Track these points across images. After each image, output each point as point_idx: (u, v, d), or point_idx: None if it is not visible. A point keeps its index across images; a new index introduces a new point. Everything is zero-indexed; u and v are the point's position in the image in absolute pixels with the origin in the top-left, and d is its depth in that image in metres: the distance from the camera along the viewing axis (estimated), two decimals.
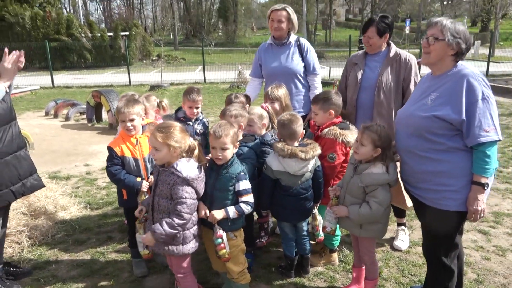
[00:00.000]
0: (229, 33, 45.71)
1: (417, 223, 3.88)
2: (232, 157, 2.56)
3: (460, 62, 2.32)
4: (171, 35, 45.39)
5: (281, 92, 3.38)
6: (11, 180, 2.80)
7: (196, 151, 2.52)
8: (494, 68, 18.02)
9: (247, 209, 2.55)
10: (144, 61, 28.85)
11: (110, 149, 2.95)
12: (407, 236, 3.65)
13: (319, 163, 2.91)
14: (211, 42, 33.65)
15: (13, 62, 2.76)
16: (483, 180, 2.21)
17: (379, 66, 3.32)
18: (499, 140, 2.21)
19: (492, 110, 2.18)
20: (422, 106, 2.35)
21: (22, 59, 2.80)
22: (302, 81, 3.81)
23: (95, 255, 3.49)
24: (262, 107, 3.18)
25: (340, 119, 3.01)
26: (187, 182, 2.38)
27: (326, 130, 2.93)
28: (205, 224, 2.62)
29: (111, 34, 27.10)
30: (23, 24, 25.31)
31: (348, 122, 3.08)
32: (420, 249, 3.42)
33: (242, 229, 2.75)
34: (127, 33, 27.36)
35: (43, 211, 4.04)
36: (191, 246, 2.54)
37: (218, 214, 2.52)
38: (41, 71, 21.31)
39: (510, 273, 3.16)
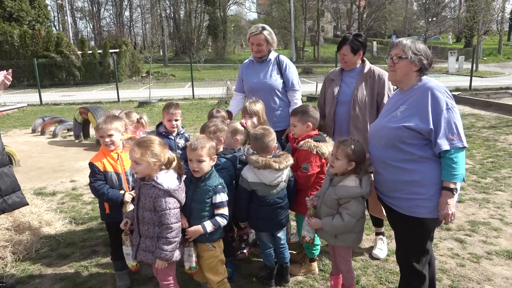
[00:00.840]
0: (219, 49, 46.16)
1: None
2: (210, 170, 2.65)
3: (424, 77, 2.48)
4: (161, 52, 45.71)
5: (259, 107, 3.50)
6: None
7: (175, 163, 2.60)
8: (478, 82, 18.46)
9: (222, 222, 2.64)
10: (134, 77, 28.97)
11: (92, 164, 3.01)
12: (386, 245, 3.76)
13: (292, 173, 3.02)
14: (201, 59, 33.94)
15: None
16: (451, 186, 2.33)
17: (354, 81, 3.48)
18: (465, 147, 2.34)
19: (456, 119, 2.32)
20: (392, 118, 2.49)
21: (9, 77, 2.88)
22: (281, 96, 3.94)
23: (78, 268, 3.52)
24: (241, 123, 3.29)
25: (316, 131, 3.13)
26: (168, 193, 2.47)
27: (301, 142, 3.05)
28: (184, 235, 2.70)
29: (100, 51, 27.26)
30: (11, 42, 25.36)
31: (325, 135, 3.21)
32: None
33: (221, 240, 2.83)
34: (116, 50, 27.54)
35: (27, 227, 4.06)
36: (177, 254, 2.61)
37: (194, 230, 2.60)
38: (29, 89, 21.30)
39: (484, 279, 3.27)
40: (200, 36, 50.82)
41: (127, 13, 61.89)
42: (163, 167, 2.54)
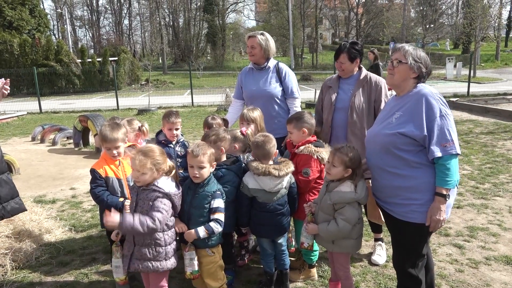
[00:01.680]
0: (218, 57, 46.39)
1: None
2: (209, 176, 2.68)
3: (420, 84, 2.50)
4: (160, 60, 45.90)
5: (256, 114, 3.53)
6: None
7: (174, 172, 2.67)
8: (475, 88, 18.57)
9: (216, 227, 2.63)
10: (133, 85, 29.08)
11: (93, 171, 3.03)
12: (384, 251, 3.77)
13: (293, 179, 3.04)
14: (200, 66, 34.10)
15: None
16: (444, 192, 2.35)
17: (351, 88, 3.52)
18: (458, 154, 2.36)
19: (450, 126, 2.35)
20: (387, 125, 2.53)
21: (7, 86, 2.91)
22: (281, 104, 3.97)
23: (78, 276, 3.53)
24: (241, 131, 3.32)
25: (315, 137, 3.17)
26: (168, 196, 2.52)
27: (302, 147, 3.09)
28: (183, 241, 2.72)
29: (99, 59, 27.39)
30: (11, 50, 25.48)
31: (322, 141, 3.24)
32: None
33: (220, 245, 2.85)
34: (115, 58, 27.68)
35: (27, 234, 4.07)
36: (173, 261, 2.62)
37: (189, 235, 2.63)
38: (28, 97, 21.36)
39: (482, 285, 3.28)
40: (199, 44, 51.12)
41: (126, 22, 62.26)
42: (164, 174, 2.58)
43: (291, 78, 4.02)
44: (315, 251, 3.29)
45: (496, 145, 8.02)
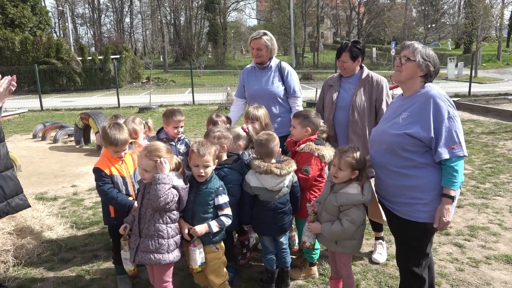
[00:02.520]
0: (219, 55, 46.39)
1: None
2: (211, 173, 2.69)
3: (428, 84, 2.49)
4: (161, 58, 45.90)
5: (261, 112, 3.53)
6: None
7: (181, 168, 2.70)
8: (477, 88, 18.56)
9: (227, 221, 2.69)
10: (134, 83, 29.08)
11: (98, 169, 3.02)
12: (385, 250, 3.78)
13: (296, 178, 3.05)
14: (201, 65, 34.08)
15: (4, 86, 2.87)
16: (452, 193, 2.36)
17: (352, 87, 3.53)
18: (465, 156, 2.37)
19: (457, 128, 2.35)
20: (394, 125, 2.52)
21: (14, 83, 2.92)
22: (283, 103, 3.96)
23: (80, 272, 3.54)
24: (243, 128, 3.33)
25: (315, 136, 3.17)
26: (176, 188, 2.56)
27: (302, 145, 3.10)
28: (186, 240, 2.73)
29: (101, 57, 27.40)
30: (12, 48, 25.49)
31: (327, 142, 3.25)
32: None
33: (222, 242, 2.86)
34: (117, 56, 27.68)
35: (29, 231, 4.09)
36: (176, 254, 2.65)
37: (201, 228, 2.63)
38: (30, 94, 21.38)
39: (483, 284, 3.29)
40: (200, 42, 51.05)
41: (127, 20, 62.29)
42: (171, 171, 2.61)
43: (293, 77, 4.02)
44: (317, 249, 3.31)
45: (497, 145, 8.03)
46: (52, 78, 25.34)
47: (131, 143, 3.27)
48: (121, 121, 3.46)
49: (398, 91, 2.71)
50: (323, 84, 3.82)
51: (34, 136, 10.10)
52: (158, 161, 2.53)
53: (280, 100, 3.95)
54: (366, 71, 3.55)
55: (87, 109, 15.41)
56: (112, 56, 27.23)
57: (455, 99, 14.49)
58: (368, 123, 3.47)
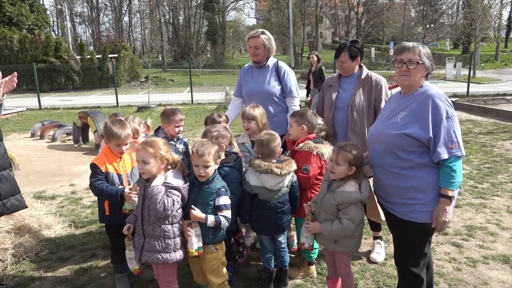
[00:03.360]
0: (217, 55, 46.35)
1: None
2: (213, 173, 2.69)
3: (425, 82, 2.49)
4: (160, 57, 45.85)
5: (257, 111, 3.52)
6: None
7: (179, 165, 2.71)
8: (475, 89, 18.59)
9: (224, 222, 2.67)
10: (132, 82, 29.04)
11: (94, 165, 3.03)
12: (383, 249, 3.79)
13: (295, 178, 3.05)
14: (200, 64, 34.05)
15: (4, 84, 2.87)
16: (450, 193, 2.36)
17: (352, 87, 3.53)
18: (463, 156, 2.37)
19: (456, 128, 2.35)
20: (392, 125, 2.51)
21: (15, 79, 2.92)
22: (279, 102, 3.96)
23: (78, 271, 3.54)
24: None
25: (314, 135, 3.18)
26: (176, 188, 2.56)
27: (301, 144, 3.11)
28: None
29: (99, 56, 27.34)
30: (11, 46, 25.42)
31: (326, 141, 3.26)
32: None
33: (223, 242, 2.86)
34: (115, 55, 27.62)
35: (27, 230, 4.08)
36: (181, 253, 2.66)
37: (199, 214, 2.62)
38: (28, 93, 21.32)
39: (480, 283, 3.30)
40: (199, 42, 51.04)
41: (126, 19, 62.18)
42: (169, 167, 2.61)
43: (290, 76, 4.01)
44: (315, 249, 3.31)
45: (495, 145, 8.05)
46: (51, 76, 25.29)
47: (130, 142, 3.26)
48: (121, 118, 3.47)
49: (397, 90, 2.71)
50: (323, 84, 3.83)
51: (33, 135, 10.08)
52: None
53: (276, 99, 3.95)
54: (365, 71, 3.55)
55: (86, 108, 15.38)
56: (110, 55, 27.18)
57: (453, 99, 14.51)
58: (367, 122, 3.47)
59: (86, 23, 63.24)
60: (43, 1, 36.89)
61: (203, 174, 2.63)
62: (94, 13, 59.86)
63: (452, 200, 2.39)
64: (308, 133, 3.14)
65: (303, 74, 29.49)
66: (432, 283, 2.84)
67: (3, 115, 13.33)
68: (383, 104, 3.46)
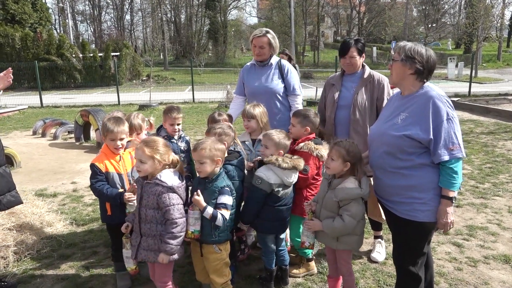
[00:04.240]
0: (219, 53, 46.34)
1: None
2: (218, 172, 2.70)
3: (427, 84, 2.48)
4: (161, 56, 45.86)
5: (258, 110, 3.51)
6: None
7: (179, 165, 2.68)
8: (477, 88, 18.56)
9: (219, 220, 2.61)
10: (134, 81, 29.05)
11: (93, 166, 3.03)
12: (384, 249, 3.79)
13: None
14: (201, 63, 34.05)
15: None
16: (451, 194, 2.37)
17: (354, 86, 3.54)
18: (464, 157, 2.37)
19: (456, 130, 2.36)
20: (393, 126, 2.52)
21: (10, 75, 2.92)
22: (282, 101, 3.97)
23: (79, 269, 3.55)
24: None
25: (314, 135, 3.19)
26: (172, 190, 2.54)
27: (301, 144, 3.11)
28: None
29: (101, 54, 27.36)
30: (13, 44, 25.45)
31: (324, 140, 3.27)
32: None
33: (228, 243, 2.85)
34: (117, 53, 27.64)
35: (29, 227, 4.10)
36: (178, 252, 2.64)
37: (200, 199, 2.61)
38: (30, 91, 21.37)
39: (481, 283, 3.31)
40: (201, 40, 50.98)
41: (128, 17, 62.19)
42: (167, 167, 2.60)
43: (293, 75, 4.02)
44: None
45: (496, 145, 8.04)
46: (52, 74, 25.31)
47: (129, 141, 3.27)
48: (120, 115, 3.47)
49: (398, 90, 2.72)
50: (325, 83, 3.83)
51: (34, 133, 10.10)
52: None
53: (279, 97, 3.95)
54: (367, 70, 3.56)
55: (87, 106, 15.40)
56: (112, 53, 27.20)
57: (455, 99, 14.49)
58: (369, 121, 3.47)
59: (88, 21, 63.33)
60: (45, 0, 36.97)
61: (199, 170, 2.64)
62: (95, 11, 59.90)
63: (454, 201, 2.39)
64: (310, 133, 3.15)
65: (305, 73, 29.49)
66: (432, 283, 2.84)
67: (4, 113, 13.37)
68: (385, 103, 3.47)
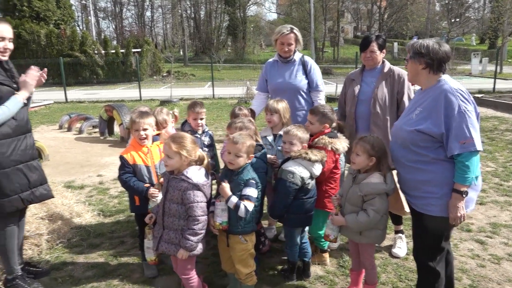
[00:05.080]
0: (238, 50, 46.41)
1: None
2: (245, 165, 2.77)
3: (443, 77, 2.49)
4: (181, 52, 46.25)
5: (281, 105, 3.57)
6: (21, 187, 2.97)
7: (205, 162, 2.75)
8: (502, 85, 18.11)
9: (242, 211, 2.66)
10: (154, 77, 29.43)
11: (121, 158, 3.16)
12: (405, 243, 3.81)
13: None
14: (220, 59, 34.20)
15: (34, 77, 3.01)
16: (462, 189, 2.37)
17: (374, 81, 3.57)
18: (479, 151, 2.35)
19: (469, 123, 2.32)
20: (408, 121, 2.57)
21: (45, 75, 3.07)
22: (305, 97, 4.02)
23: (108, 257, 3.70)
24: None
25: (329, 129, 3.27)
26: (197, 187, 2.60)
27: (316, 139, 3.19)
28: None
29: (123, 50, 27.80)
30: (38, 41, 26.10)
31: (336, 131, 3.33)
32: None
33: (254, 234, 2.92)
34: (139, 50, 28.04)
35: (59, 217, 4.27)
36: (200, 247, 2.71)
37: (226, 189, 2.68)
38: (54, 87, 21.89)
39: (504, 280, 3.29)
40: (220, 36, 51.20)
41: (148, 13, 62.86)
42: (193, 163, 2.67)
43: (316, 71, 4.06)
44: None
45: None
46: (76, 70, 25.84)
47: (157, 134, 3.37)
48: (146, 109, 3.58)
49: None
50: (345, 79, 3.87)
51: (60, 127, 10.40)
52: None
53: (303, 93, 4.00)
54: (387, 65, 3.60)
55: (110, 101, 15.71)
56: (133, 50, 27.60)
57: (479, 95, 14.19)
58: (389, 115, 3.52)
59: (109, 18, 64.31)
60: None
61: (232, 162, 2.70)
62: (117, 8, 60.78)
63: (464, 195, 2.39)
64: (327, 129, 3.24)
65: (325, 69, 29.32)
66: (452, 279, 2.85)
67: (31, 107, 13.77)
68: (405, 96, 3.51)
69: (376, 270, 3.01)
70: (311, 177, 3.02)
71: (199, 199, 2.60)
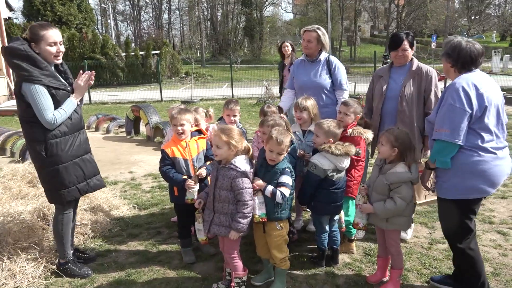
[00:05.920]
0: (255, 50, 46.80)
1: (439, 224, 4.17)
2: None
3: (463, 75, 2.71)
4: (198, 53, 46.83)
5: (309, 103, 3.77)
6: (78, 179, 3.30)
7: (251, 152, 3.02)
8: None
9: (279, 197, 2.88)
10: (173, 78, 29.95)
11: (162, 151, 3.42)
12: (411, 230, 3.98)
13: None
14: (237, 60, 34.56)
15: (85, 80, 3.32)
16: (430, 165, 2.82)
17: (402, 78, 3.73)
18: (449, 142, 2.60)
19: (451, 117, 2.59)
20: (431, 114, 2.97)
21: (93, 77, 3.36)
22: (329, 95, 4.21)
23: (148, 246, 3.96)
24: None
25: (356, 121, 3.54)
26: (245, 174, 2.87)
27: (350, 130, 3.42)
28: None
29: (142, 53, 28.40)
30: None
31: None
32: (441, 246, 3.78)
33: (288, 221, 3.14)
34: (158, 51, 28.60)
35: (100, 209, 4.57)
36: (247, 228, 2.95)
37: (260, 182, 2.92)
38: None
39: None
40: (237, 37, 51.62)
41: (165, 16, 63.79)
42: (240, 153, 2.92)
43: (341, 70, 4.25)
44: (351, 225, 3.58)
45: None
46: (97, 73, 26.37)
47: (197, 131, 3.61)
48: (183, 107, 3.85)
49: (447, 82, 2.99)
50: (373, 75, 4.05)
51: (88, 127, 10.80)
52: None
53: (327, 92, 4.20)
54: (416, 62, 3.74)
55: (132, 102, 16.17)
56: (152, 52, 28.16)
57: None
58: (416, 112, 3.67)
59: (128, 21, 65.47)
60: (88, 1, 38.67)
61: (275, 160, 2.93)
62: (135, 11, 61.88)
63: (429, 168, 2.85)
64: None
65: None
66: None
67: None
68: (432, 94, 3.67)
69: (402, 256, 3.18)
70: (337, 170, 3.22)
71: (247, 186, 2.85)
